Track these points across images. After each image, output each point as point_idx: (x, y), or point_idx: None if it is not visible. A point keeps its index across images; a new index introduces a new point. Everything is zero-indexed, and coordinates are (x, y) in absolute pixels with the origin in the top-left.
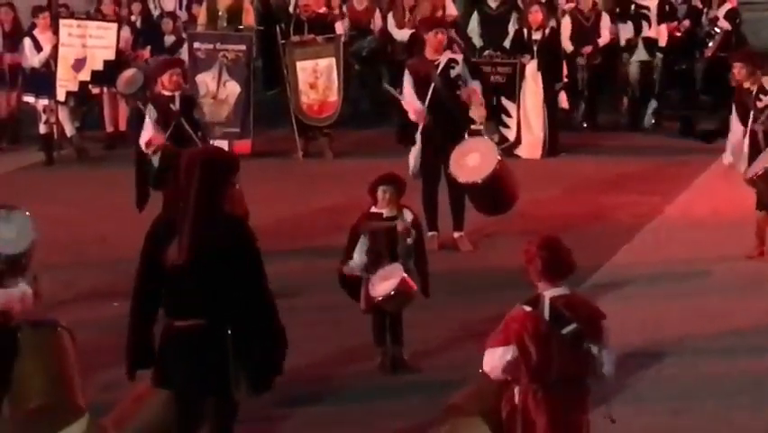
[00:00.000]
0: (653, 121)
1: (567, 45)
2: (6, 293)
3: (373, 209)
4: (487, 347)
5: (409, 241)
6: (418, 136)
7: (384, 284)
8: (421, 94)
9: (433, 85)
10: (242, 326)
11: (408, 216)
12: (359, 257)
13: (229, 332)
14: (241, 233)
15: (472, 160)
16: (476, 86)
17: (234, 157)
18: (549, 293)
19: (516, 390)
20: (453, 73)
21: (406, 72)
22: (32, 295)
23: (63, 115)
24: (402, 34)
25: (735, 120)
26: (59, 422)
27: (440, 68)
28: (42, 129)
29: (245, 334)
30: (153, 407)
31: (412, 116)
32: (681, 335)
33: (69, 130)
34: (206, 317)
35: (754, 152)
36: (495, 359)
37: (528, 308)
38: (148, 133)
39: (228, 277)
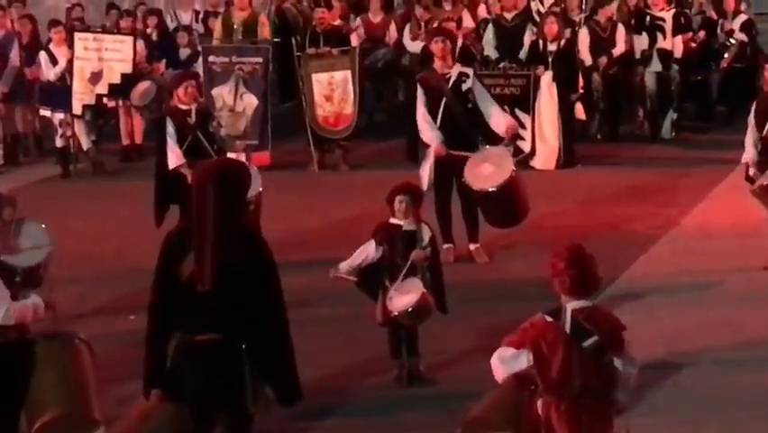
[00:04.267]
0: (673, 133)
1: (586, 57)
2: (20, 305)
3: (392, 220)
4: (503, 344)
5: (425, 263)
6: (431, 150)
7: (403, 299)
8: (433, 108)
9: (444, 99)
10: (260, 340)
11: (427, 233)
12: (349, 264)
13: (244, 346)
14: (259, 249)
15: (487, 169)
16: (507, 119)
17: (247, 169)
18: (571, 305)
19: (540, 402)
20: (465, 87)
21: (418, 87)
22: (43, 306)
23: (79, 128)
24: (416, 46)
25: (751, 127)
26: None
27: (451, 81)
28: (59, 142)
29: (264, 348)
30: (158, 423)
31: (426, 139)
32: (699, 345)
33: (86, 143)
34: (222, 332)
35: (766, 162)
36: (504, 359)
37: (549, 319)
38: (174, 155)
39: (245, 293)
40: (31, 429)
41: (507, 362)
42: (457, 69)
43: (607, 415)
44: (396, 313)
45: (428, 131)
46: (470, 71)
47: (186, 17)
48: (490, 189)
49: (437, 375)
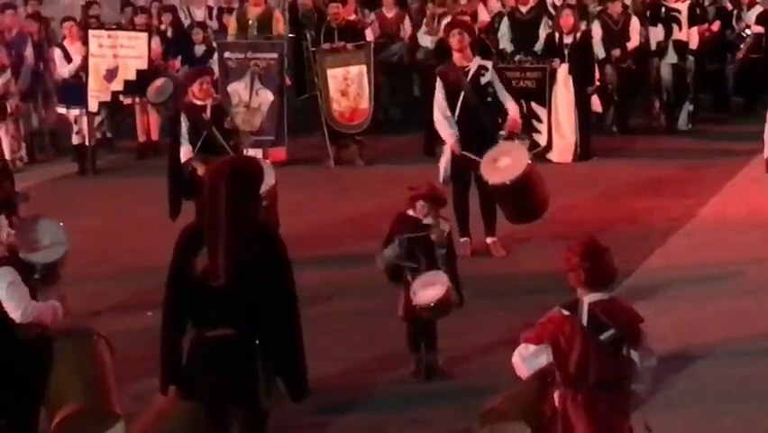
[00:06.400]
0: (690, 125)
1: (599, 50)
2: (41, 306)
3: (410, 213)
4: (521, 341)
5: (442, 251)
6: (447, 145)
7: (427, 293)
8: (451, 101)
9: (463, 92)
10: (273, 335)
11: (446, 227)
12: (391, 251)
13: (257, 341)
14: (273, 245)
15: (503, 162)
16: (515, 113)
17: (260, 165)
18: (588, 298)
19: (557, 394)
20: (484, 80)
21: (437, 79)
22: (62, 310)
23: (90, 122)
24: (430, 41)
25: None
26: (94, 427)
27: (470, 74)
28: (75, 140)
29: (277, 343)
30: (176, 420)
31: (443, 136)
32: (716, 337)
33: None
34: (236, 328)
35: None
36: (526, 357)
37: (566, 312)
38: (185, 149)
39: (258, 288)
40: (51, 425)
41: (528, 359)
42: (476, 62)
43: (624, 407)
44: (420, 307)
45: (445, 127)
46: (489, 64)
47: (199, 14)
48: (506, 182)
49: (455, 369)
